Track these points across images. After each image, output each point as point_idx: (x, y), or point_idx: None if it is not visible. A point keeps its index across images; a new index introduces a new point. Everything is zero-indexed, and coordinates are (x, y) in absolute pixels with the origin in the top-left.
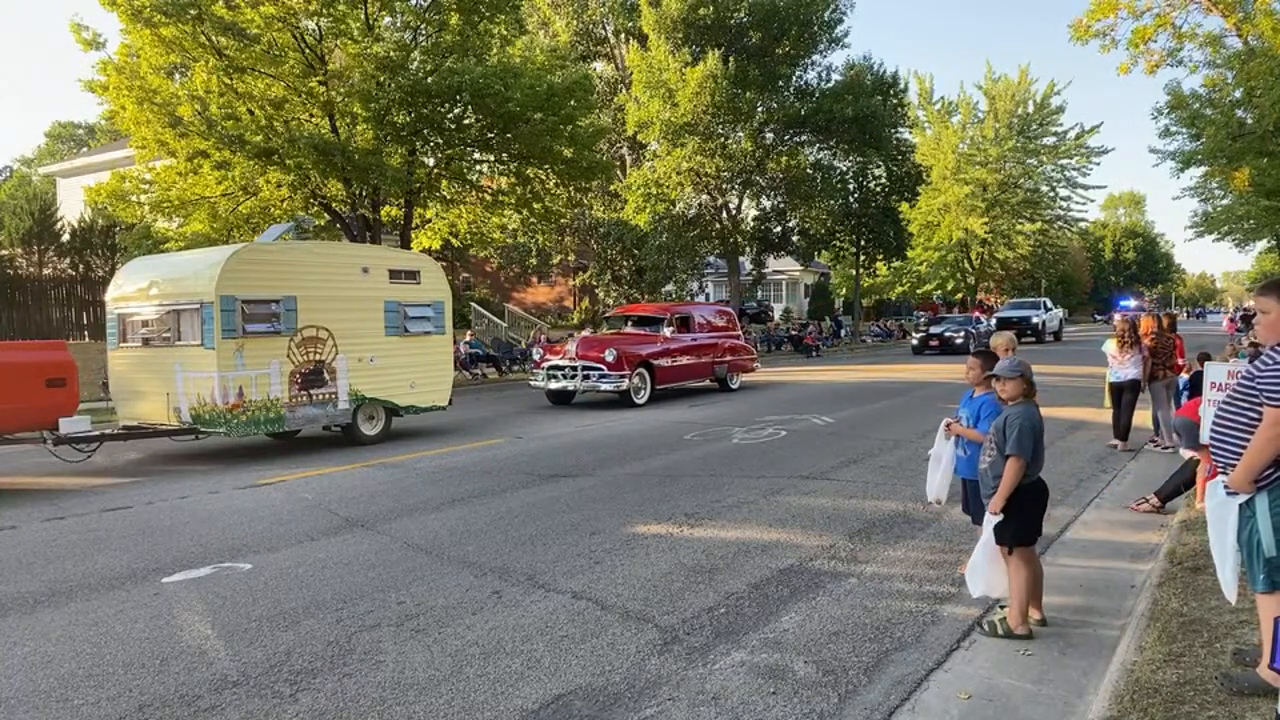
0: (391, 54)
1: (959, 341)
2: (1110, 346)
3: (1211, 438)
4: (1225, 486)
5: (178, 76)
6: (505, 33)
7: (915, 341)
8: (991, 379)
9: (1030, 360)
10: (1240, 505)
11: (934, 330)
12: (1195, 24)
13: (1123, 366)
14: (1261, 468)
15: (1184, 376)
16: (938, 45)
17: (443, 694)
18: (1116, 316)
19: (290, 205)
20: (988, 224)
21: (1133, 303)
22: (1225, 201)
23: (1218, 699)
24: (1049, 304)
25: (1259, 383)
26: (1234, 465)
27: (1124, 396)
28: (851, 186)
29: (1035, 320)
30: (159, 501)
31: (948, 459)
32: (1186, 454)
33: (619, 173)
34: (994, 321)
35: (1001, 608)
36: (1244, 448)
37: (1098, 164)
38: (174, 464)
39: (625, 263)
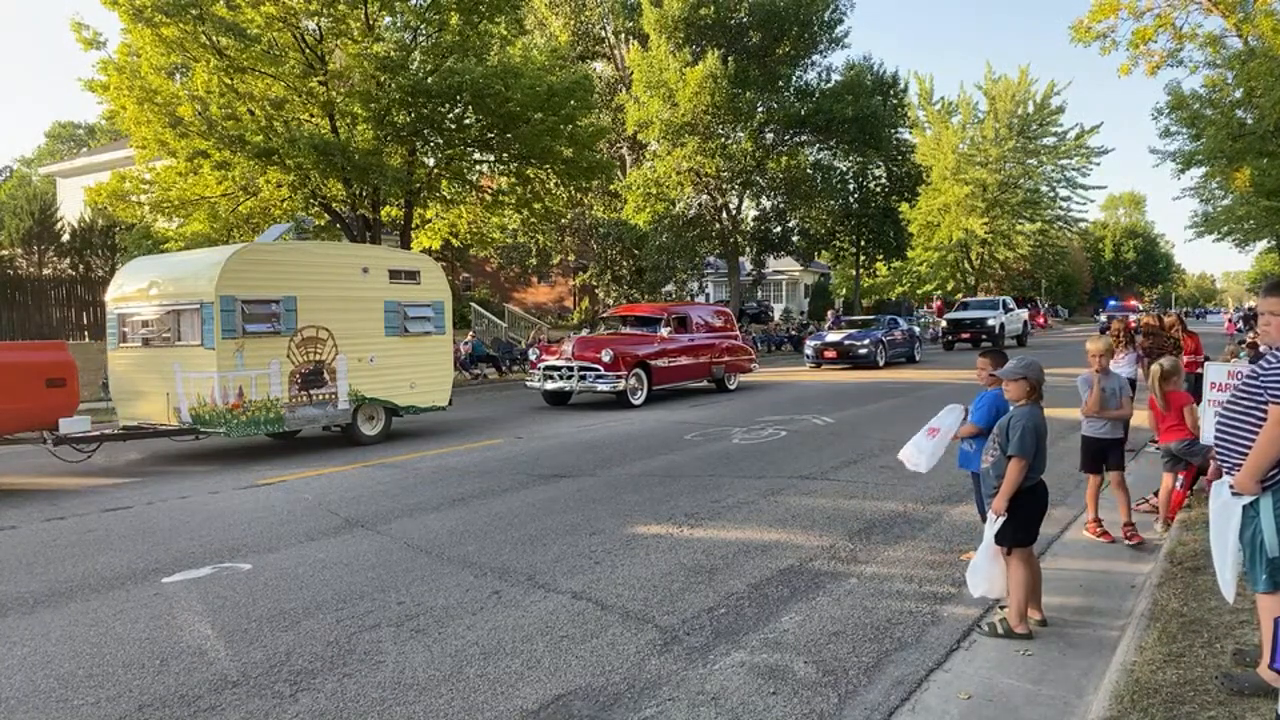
0: (391, 54)
1: (862, 352)
2: None
3: (1215, 439)
4: (1230, 487)
5: (178, 76)
6: (505, 33)
7: (810, 350)
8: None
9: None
10: (1244, 505)
11: (830, 339)
12: (1195, 24)
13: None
14: (1267, 468)
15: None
16: (938, 46)
17: (443, 694)
18: (1103, 317)
19: (290, 205)
20: (988, 224)
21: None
22: (1225, 202)
23: (1218, 699)
24: (1009, 303)
25: (1264, 381)
26: (1239, 466)
27: None
28: (851, 186)
29: (992, 322)
30: (159, 501)
31: (945, 432)
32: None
33: (619, 173)
34: (912, 322)
35: (1002, 608)
36: (1249, 448)
37: (1098, 164)
38: (174, 464)
39: (625, 263)
